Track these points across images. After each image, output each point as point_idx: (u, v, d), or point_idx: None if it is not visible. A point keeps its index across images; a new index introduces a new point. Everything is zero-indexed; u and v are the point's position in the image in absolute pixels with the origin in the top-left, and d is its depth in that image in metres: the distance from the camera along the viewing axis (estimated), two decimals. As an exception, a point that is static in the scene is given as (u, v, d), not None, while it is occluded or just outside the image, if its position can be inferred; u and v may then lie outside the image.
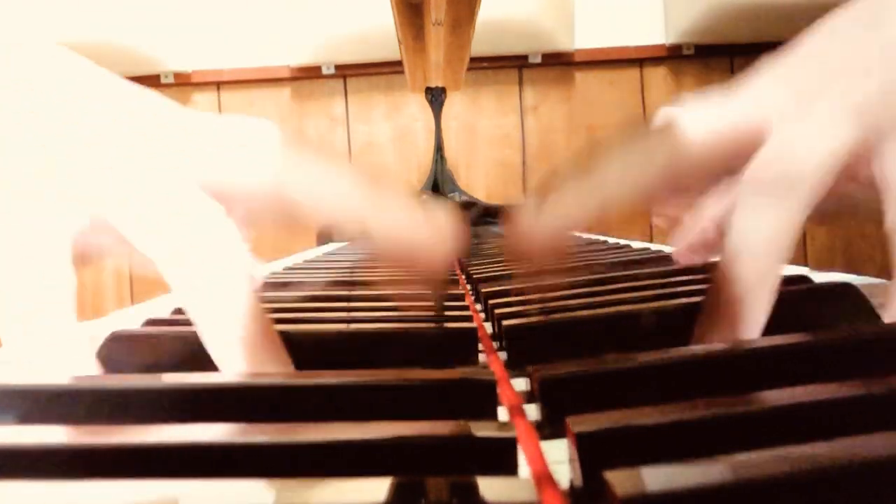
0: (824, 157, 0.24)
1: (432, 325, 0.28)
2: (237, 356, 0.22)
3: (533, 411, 0.19)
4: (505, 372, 0.24)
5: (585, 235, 0.83)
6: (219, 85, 1.79)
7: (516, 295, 0.34)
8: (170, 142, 0.26)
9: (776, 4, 1.66)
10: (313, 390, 0.19)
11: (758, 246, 0.24)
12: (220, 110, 1.78)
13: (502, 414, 0.19)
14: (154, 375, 0.20)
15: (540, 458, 0.16)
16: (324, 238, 1.13)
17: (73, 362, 0.22)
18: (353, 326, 0.30)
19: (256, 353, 0.22)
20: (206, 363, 0.22)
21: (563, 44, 1.75)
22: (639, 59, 1.80)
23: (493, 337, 0.31)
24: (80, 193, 0.24)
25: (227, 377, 0.21)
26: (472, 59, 1.05)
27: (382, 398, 0.18)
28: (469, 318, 0.29)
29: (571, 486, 0.14)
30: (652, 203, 0.33)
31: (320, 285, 0.47)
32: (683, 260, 0.35)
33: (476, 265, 0.53)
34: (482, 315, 0.36)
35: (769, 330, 0.23)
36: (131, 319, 0.33)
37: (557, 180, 0.27)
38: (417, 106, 1.76)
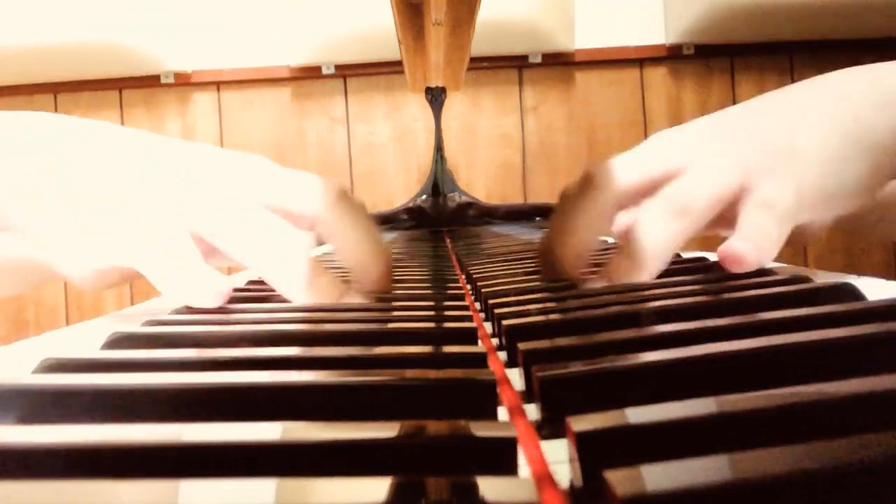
0: (712, 196, 0.35)
1: (432, 324, 0.28)
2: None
3: (533, 411, 0.19)
4: (505, 372, 0.24)
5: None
6: (219, 85, 1.79)
7: (517, 295, 0.34)
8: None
9: (776, 4, 1.66)
10: (313, 390, 0.19)
11: (651, 244, 0.35)
12: (220, 110, 1.78)
13: (502, 414, 0.19)
14: (154, 375, 0.20)
15: (540, 458, 0.16)
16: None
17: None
18: (353, 326, 0.30)
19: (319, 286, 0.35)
20: (206, 363, 0.22)
21: (563, 44, 1.75)
22: (639, 59, 1.80)
23: (493, 336, 0.31)
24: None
25: (226, 378, 0.21)
26: (472, 59, 1.05)
27: (382, 398, 0.18)
28: (469, 318, 0.29)
29: (571, 486, 0.14)
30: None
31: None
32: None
33: (476, 265, 0.53)
34: (482, 315, 0.36)
35: (769, 330, 0.23)
36: (131, 319, 0.33)
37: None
38: (417, 106, 1.76)
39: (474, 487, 0.12)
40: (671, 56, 1.79)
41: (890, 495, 0.11)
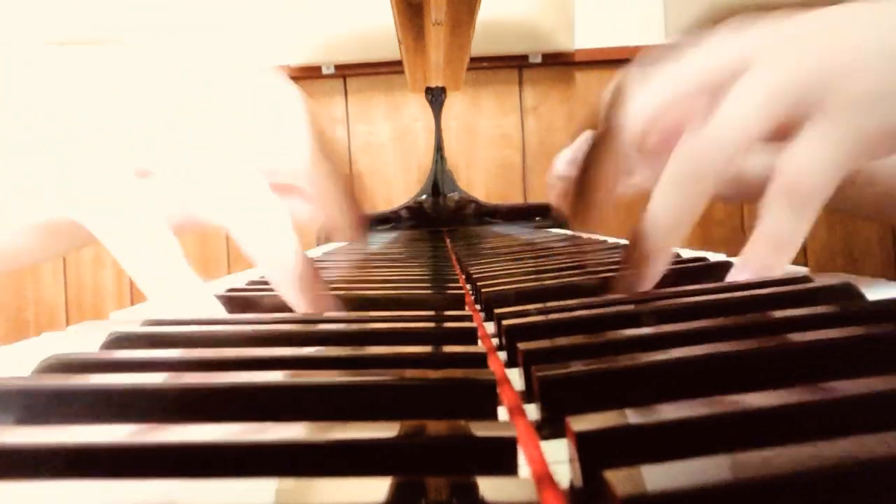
0: (829, 179, 0.29)
1: (432, 324, 0.28)
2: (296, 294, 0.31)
3: (533, 411, 0.19)
4: (505, 372, 0.24)
5: (585, 235, 0.83)
6: (219, 85, 1.78)
7: (516, 295, 0.34)
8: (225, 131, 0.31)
9: (776, 4, 1.66)
10: (313, 390, 0.19)
11: (652, 227, 0.31)
12: (220, 110, 1.78)
13: (502, 414, 0.19)
14: (154, 375, 0.20)
15: (540, 458, 0.16)
16: (322, 239, 1.13)
17: (203, 306, 0.30)
18: (354, 326, 0.30)
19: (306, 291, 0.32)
20: (206, 363, 0.22)
21: (563, 44, 1.75)
22: (639, 59, 1.80)
23: (493, 336, 0.31)
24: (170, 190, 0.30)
25: (227, 378, 0.21)
26: (472, 59, 1.05)
27: (382, 398, 0.18)
28: (469, 318, 0.29)
29: (571, 486, 0.14)
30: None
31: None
32: None
33: (476, 265, 0.53)
34: (482, 315, 0.36)
35: (769, 330, 0.23)
36: (131, 319, 0.33)
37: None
38: (417, 106, 1.76)
39: (474, 487, 0.12)
40: (671, 56, 1.78)
41: (890, 495, 0.11)
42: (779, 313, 0.24)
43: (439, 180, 1.39)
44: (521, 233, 1.10)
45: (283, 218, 0.31)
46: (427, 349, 0.24)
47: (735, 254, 0.35)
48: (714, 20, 0.31)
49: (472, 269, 0.49)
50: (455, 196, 1.39)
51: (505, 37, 1.69)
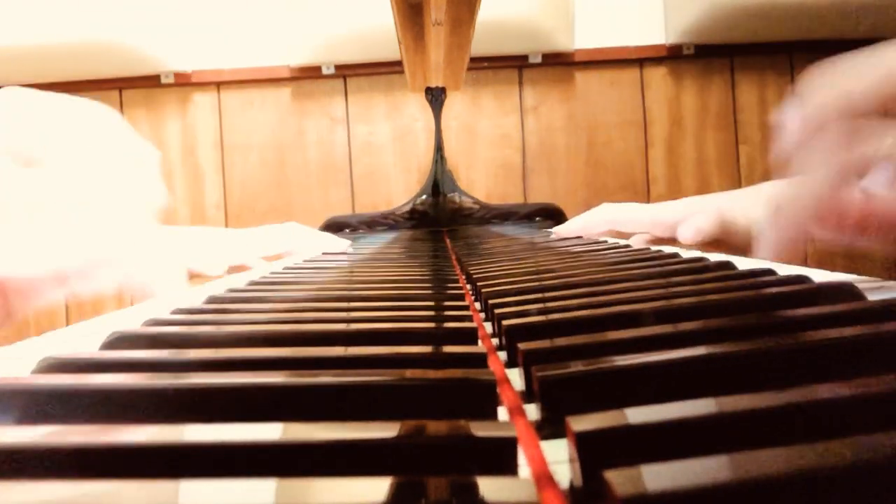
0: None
1: (433, 324, 0.28)
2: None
3: (533, 411, 0.19)
4: (505, 372, 0.24)
5: (585, 235, 0.83)
6: (219, 85, 1.78)
7: (517, 295, 0.34)
8: None
9: (776, 4, 1.66)
10: (313, 390, 0.19)
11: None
12: (220, 110, 1.78)
13: (502, 414, 0.19)
14: (153, 375, 0.20)
15: (540, 458, 0.16)
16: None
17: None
18: (354, 326, 0.30)
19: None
20: (206, 363, 0.22)
21: (563, 44, 1.75)
22: (639, 59, 1.80)
23: (493, 336, 0.31)
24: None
25: (227, 378, 0.21)
26: (472, 59, 1.05)
27: (382, 398, 0.18)
28: (469, 318, 0.29)
29: (571, 486, 0.14)
30: None
31: (320, 284, 0.47)
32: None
33: (476, 265, 0.53)
34: (482, 315, 0.36)
35: (770, 330, 0.23)
36: (131, 319, 0.33)
37: None
38: (417, 106, 1.75)
39: (474, 487, 0.12)
40: (671, 56, 1.79)
41: (890, 495, 0.11)
42: (779, 313, 0.24)
43: (439, 180, 1.39)
44: (521, 233, 1.10)
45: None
46: (427, 349, 0.24)
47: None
48: None
49: (472, 269, 0.49)
50: (455, 196, 1.39)
51: (505, 37, 1.69)
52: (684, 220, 0.56)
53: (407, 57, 0.97)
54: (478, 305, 0.40)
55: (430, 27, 0.79)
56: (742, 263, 0.41)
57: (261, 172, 1.77)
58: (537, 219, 1.38)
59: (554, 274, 0.44)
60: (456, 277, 0.50)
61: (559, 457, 0.16)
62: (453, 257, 0.70)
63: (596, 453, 0.14)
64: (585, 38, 1.77)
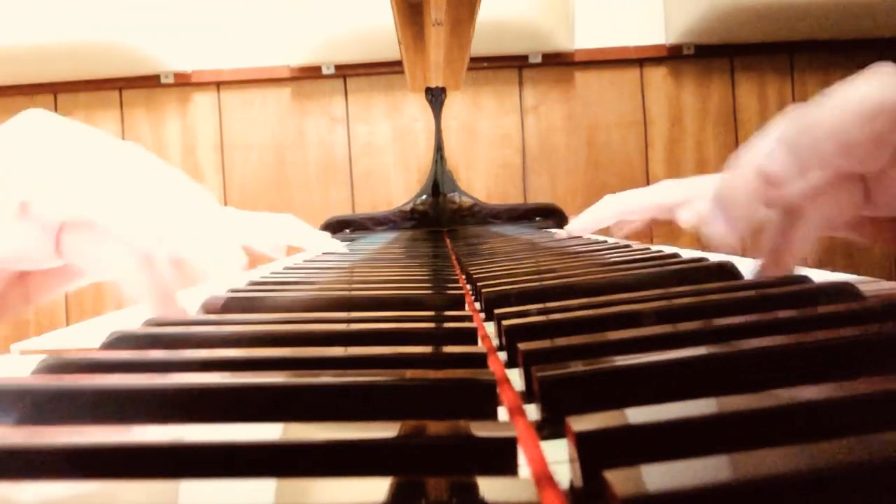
0: None
1: (433, 324, 0.28)
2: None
3: (533, 411, 0.19)
4: (505, 372, 0.24)
5: (585, 236, 0.83)
6: (219, 85, 1.78)
7: (517, 296, 0.34)
8: None
9: (776, 4, 1.66)
10: (313, 390, 0.19)
11: None
12: (220, 110, 1.78)
13: (502, 414, 0.19)
14: (153, 375, 0.20)
15: (540, 458, 0.16)
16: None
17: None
18: (354, 326, 0.30)
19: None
20: (206, 363, 0.22)
21: (563, 44, 1.75)
22: (639, 59, 1.80)
23: (494, 336, 0.31)
24: None
25: (227, 378, 0.21)
26: (472, 59, 1.05)
27: (383, 398, 0.18)
28: (469, 318, 0.29)
29: (571, 486, 0.14)
30: None
31: (320, 284, 0.47)
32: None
33: (476, 265, 0.53)
34: (482, 315, 0.36)
35: (769, 329, 0.23)
36: (131, 319, 0.33)
37: None
38: (417, 106, 1.75)
39: (474, 487, 0.12)
40: (671, 56, 1.79)
41: (890, 495, 0.11)
42: (779, 313, 0.24)
43: (439, 180, 1.39)
44: (521, 233, 1.10)
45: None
46: (427, 349, 0.24)
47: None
48: None
49: (472, 269, 0.49)
50: (455, 196, 1.39)
51: (505, 37, 1.69)
52: (685, 203, 0.56)
53: (407, 57, 0.97)
54: (478, 306, 0.40)
55: (430, 27, 0.79)
56: (742, 263, 0.41)
57: (261, 172, 1.77)
58: (537, 219, 1.38)
59: (554, 274, 0.44)
60: (456, 277, 0.50)
61: (559, 457, 0.16)
62: (453, 257, 0.70)
63: (596, 453, 0.14)
64: (585, 38, 1.77)
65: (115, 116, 1.76)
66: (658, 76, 1.80)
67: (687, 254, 0.50)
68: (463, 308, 0.35)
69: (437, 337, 0.27)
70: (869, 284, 0.33)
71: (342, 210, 1.74)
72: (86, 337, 0.31)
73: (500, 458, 0.14)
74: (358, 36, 1.69)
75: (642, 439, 0.14)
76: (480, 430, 0.15)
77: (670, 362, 0.19)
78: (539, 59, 1.77)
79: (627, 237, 0.74)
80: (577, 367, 0.19)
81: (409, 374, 0.20)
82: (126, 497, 0.13)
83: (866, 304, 0.26)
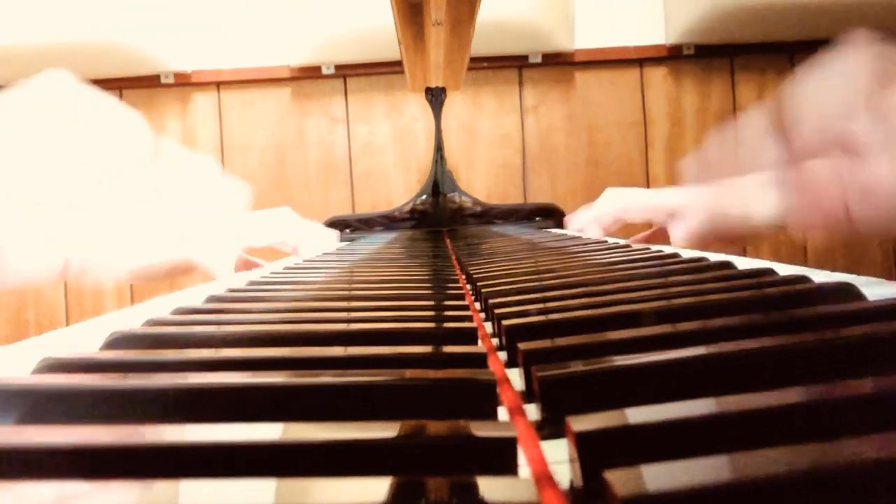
0: None
1: (433, 324, 0.28)
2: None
3: (533, 411, 0.19)
4: (505, 372, 0.24)
5: (584, 235, 0.83)
6: (219, 85, 1.78)
7: (517, 295, 0.34)
8: None
9: (776, 4, 1.66)
10: (313, 390, 0.19)
11: None
12: (220, 110, 1.78)
13: (502, 414, 0.19)
14: (153, 375, 0.20)
15: (540, 458, 0.16)
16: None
17: None
18: (354, 326, 0.30)
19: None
20: (206, 363, 0.22)
21: (563, 44, 1.75)
22: (639, 59, 1.80)
23: (493, 336, 0.31)
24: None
25: (227, 377, 0.21)
26: (472, 59, 1.05)
27: (383, 398, 0.18)
28: (469, 318, 0.29)
29: (571, 486, 0.14)
30: None
31: (320, 284, 0.47)
32: None
33: (476, 265, 0.53)
34: (482, 315, 0.36)
35: (769, 329, 0.23)
36: (131, 319, 0.33)
37: None
38: (417, 106, 1.75)
39: (474, 487, 0.12)
40: (671, 56, 1.79)
41: (890, 495, 0.11)
42: (779, 313, 0.24)
43: (439, 180, 1.39)
44: (521, 233, 1.10)
45: None
46: (427, 349, 0.24)
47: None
48: None
49: (472, 269, 0.49)
50: (455, 196, 1.39)
51: (505, 37, 1.69)
52: (680, 214, 0.56)
53: (407, 57, 0.97)
54: (478, 305, 0.40)
55: (430, 27, 0.79)
56: (742, 263, 0.41)
57: (261, 172, 1.77)
58: (537, 219, 1.38)
59: (554, 274, 0.44)
60: (456, 277, 0.50)
61: (559, 457, 0.16)
62: (453, 257, 0.69)
63: (596, 453, 0.14)
64: (585, 38, 1.77)
65: (115, 116, 1.75)
66: (658, 76, 1.80)
67: (687, 254, 0.50)
68: (463, 308, 0.35)
69: (437, 337, 0.27)
70: (869, 284, 0.32)
71: (342, 210, 1.74)
72: (86, 337, 0.31)
73: (500, 458, 0.14)
74: (358, 36, 1.69)
75: (642, 439, 0.14)
76: (480, 430, 0.15)
77: (670, 362, 0.19)
78: (539, 59, 1.77)
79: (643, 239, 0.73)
80: (577, 367, 0.19)
81: (410, 374, 0.20)
82: (126, 497, 0.13)
83: (866, 304, 0.26)
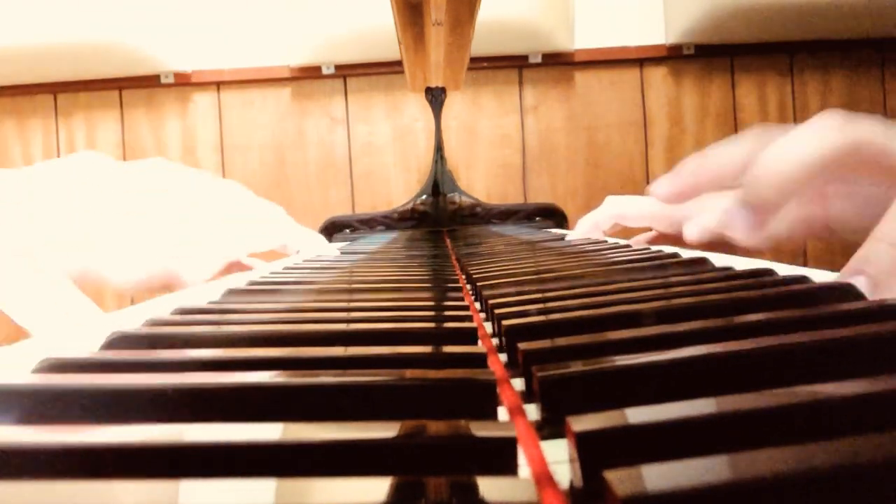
0: None
1: (432, 324, 0.28)
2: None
3: (533, 411, 0.19)
4: (505, 372, 0.24)
5: (584, 235, 0.83)
6: (219, 85, 1.79)
7: (517, 295, 0.34)
8: None
9: (776, 4, 1.66)
10: (313, 390, 0.19)
11: None
12: (220, 110, 1.78)
13: (502, 414, 0.19)
14: (153, 375, 0.20)
15: (540, 458, 0.16)
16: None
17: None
18: (354, 326, 0.30)
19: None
20: (206, 363, 0.22)
21: (563, 44, 1.75)
22: (639, 59, 1.80)
23: (493, 336, 0.31)
24: None
25: (227, 378, 0.21)
26: (472, 59, 1.05)
27: (382, 398, 0.18)
28: (469, 318, 0.29)
29: (571, 486, 0.14)
30: None
31: (320, 284, 0.47)
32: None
33: (476, 265, 0.53)
34: (482, 315, 0.36)
35: (769, 329, 0.23)
36: (131, 319, 0.33)
37: None
38: (417, 106, 1.76)
39: (474, 487, 0.12)
40: (671, 56, 1.79)
41: (890, 496, 0.11)
42: (779, 313, 0.24)
43: (439, 180, 1.39)
44: (521, 233, 1.10)
45: None
46: (427, 349, 0.24)
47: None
48: None
49: (472, 269, 0.49)
50: (455, 196, 1.39)
51: (505, 37, 1.69)
52: (689, 217, 0.56)
53: (407, 57, 0.97)
54: (478, 305, 0.40)
55: (430, 27, 0.79)
56: (742, 263, 0.41)
57: (261, 172, 1.77)
58: (537, 219, 1.38)
59: (554, 274, 0.44)
60: (456, 277, 0.50)
61: (559, 457, 0.16)
62: (453, 257, 0.70)
63: (596, 453, 0.14)
64: (585, 38, 1.77)
65: (115, 116, 1.76)
66: (658, 76, 1.80)
67: (687, 254, 0.50)
68: (463, 308, 0.35)
69: (436, 337, 0.27)
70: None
71: (342, 210, 1.74)
72: (86, 337, 0.31)
73: (500, 458, 0.14)
74: (358, 36, 1.69)
75: (642, 439, 0.14)
76: (480, 430, 0.15)
77: (670, 362, 0.19)
78: (539, 59, 1.77)
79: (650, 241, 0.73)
80: (577, 367, 0.19)
81: (409, 374, 0.20)
82: (126, 497, 0.13)
83: (866, 304, 0.26)
